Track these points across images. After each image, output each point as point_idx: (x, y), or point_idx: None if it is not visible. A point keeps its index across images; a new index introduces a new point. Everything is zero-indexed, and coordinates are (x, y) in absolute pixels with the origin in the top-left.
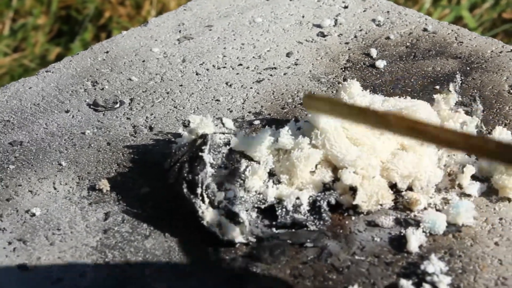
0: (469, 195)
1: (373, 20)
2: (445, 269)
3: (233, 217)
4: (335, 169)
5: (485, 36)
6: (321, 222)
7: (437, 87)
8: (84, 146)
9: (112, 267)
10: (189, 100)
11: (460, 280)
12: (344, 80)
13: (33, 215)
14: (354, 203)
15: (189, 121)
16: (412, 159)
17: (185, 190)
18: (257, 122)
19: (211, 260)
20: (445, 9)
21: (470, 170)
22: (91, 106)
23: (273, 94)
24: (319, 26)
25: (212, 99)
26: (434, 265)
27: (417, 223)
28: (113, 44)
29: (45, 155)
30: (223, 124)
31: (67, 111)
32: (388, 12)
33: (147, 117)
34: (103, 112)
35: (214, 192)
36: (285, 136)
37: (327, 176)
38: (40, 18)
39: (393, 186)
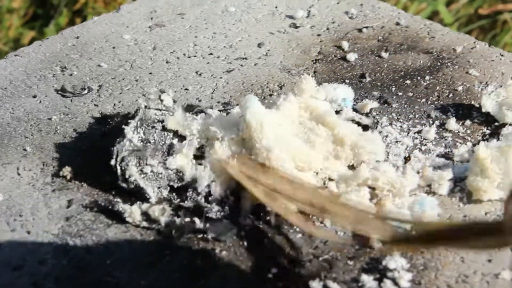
0: (433, 192)
1: (346, 13)
2: (406, 266)
3: (140, 192)
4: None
5: (459, 32)
6: (219, 212)
7: (408, 81)
8: (50, 132)
9: (73, 255)
10: (157, 89)
11: (421, 276)
12: (315, 72)
13: None
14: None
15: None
16: (391, 171)
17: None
18: (217, 108)
19: (173, 251)
20: (422, 3)
21: (448, 175)
22: (59, 92)
23: (242, 84)
24: (291, 17)
25: (181, 88)
26: (396, 261)
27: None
28: (84, 29)
29: (10, 140)
30: (161, 100)
31: (34, 96)
32: (361, 4)
33: (115, 105)
34: (71, 98)
35: (128, 165)
36: (215, 125)
37: None
38: (15, 1)
39: None
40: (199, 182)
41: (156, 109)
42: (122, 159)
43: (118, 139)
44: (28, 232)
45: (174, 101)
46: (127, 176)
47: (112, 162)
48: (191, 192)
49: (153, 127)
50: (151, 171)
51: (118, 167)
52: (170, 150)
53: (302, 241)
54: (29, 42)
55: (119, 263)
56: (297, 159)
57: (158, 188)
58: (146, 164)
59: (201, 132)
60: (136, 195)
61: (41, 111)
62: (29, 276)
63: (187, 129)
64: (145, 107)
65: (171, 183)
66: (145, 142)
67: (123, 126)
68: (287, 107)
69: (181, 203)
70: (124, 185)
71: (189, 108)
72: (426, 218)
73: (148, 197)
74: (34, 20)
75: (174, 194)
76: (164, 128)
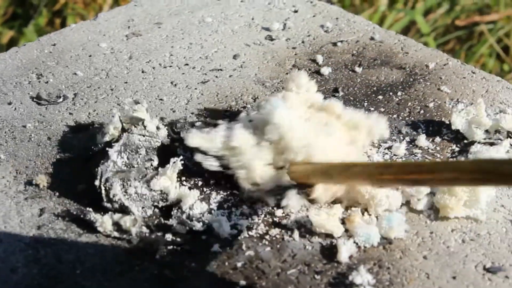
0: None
1: (322, 26)
2: (372, 281)
3: (125, 211)
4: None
5: (435, 42)
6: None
7: (380, 97)
8: (24, 140)
9: (44, 264)
10: (132, 98)
11: None
12: None
13: None
14: (312, 197)
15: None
16: None
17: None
18: (198, 123)
19: (142, 261)
20: (400, 12)
21: (425, 189)
22: (34, 99)
23: (217, 96)
24: (268, 29)
25: (156, 98)
26: (362, 277)
27: (349, 235)
28: (61, 37)
29: None
30: (144, 126)
31: (9, 103)
32: (337, 18)
33: (89, 113)
34: (46, 106)
35: (112, 185)
36: (239, 135)
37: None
38: None
39: None
40: (184, 201)
41: (140, 135)
42: (106, 180)
43: (102, 160)
44: (0, 240)
45: (158, 128)
46: (111, 196)
47: (96, 183)
48: (175, 211)
49: (136, 152)
50: (135, 192)
51: (103, 188)
52: (151, 172)
53: (271, 254)
54: (7, 41)
55: (89, 272)
56: (325, 151)
57: (143, 208)
58: (130, 186)
59: (224, 144)
60: (121, 213)
61: (16, 118)
62: (0, 284)
63: (212, 143)
64: (128, 131)
65: (155, 203)
66: (128, 166)
67: (107, 149)
68: (293, 104)
69: (166, 221)
70: (108, 205)
71: (173, 125)
72: (393, 234)
73: (132, 216)
74: (13, 19)
75: (158, 212)
76: (147, 153)
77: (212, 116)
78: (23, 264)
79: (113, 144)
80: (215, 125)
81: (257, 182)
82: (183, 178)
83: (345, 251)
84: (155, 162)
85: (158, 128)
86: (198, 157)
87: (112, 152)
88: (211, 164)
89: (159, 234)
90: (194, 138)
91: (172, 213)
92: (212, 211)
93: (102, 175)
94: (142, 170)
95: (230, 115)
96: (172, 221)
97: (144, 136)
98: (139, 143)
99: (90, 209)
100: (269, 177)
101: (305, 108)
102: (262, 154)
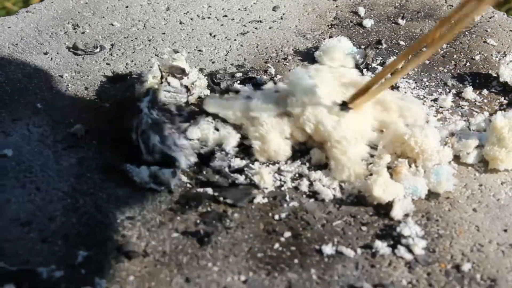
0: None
1: None
2: (421, 233)
3: (169, 161)
4: (310, 137)
5: None
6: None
7: (425, 49)
8: (61, 90)
9: (82, 212)
10: (171, 48)
11: (436, 244)
12: (330, 37)
13: (5, 156)
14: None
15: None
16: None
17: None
18: (239, 74)
19: (184, 211)
20: None
21: (473, 142)
22: (71, 50)
23: (257, 47)
24: None
25: (194, 49)
26: (410, 229)
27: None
28: None
29: (21, 96)
30: (168, 83)
31: (45, 53)
32: None
33: (127, 64)
34: (83, 56)
35: (149, 136)
36: (257, 106)
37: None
38: None
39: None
40: (225, 143)
41: (165, 91)
42: (143, 132)
43: (135, 115)
44: (38, 189)
45: (181, 84)
46: (150, 147)
47: (133, 136)
48: (218, 153)
49: (165, 109)
50: (174, 144)
51: (140, 140)
52: (185, 125)
53: (315, 205)
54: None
55: (129, 222)
56: (350, 130)
57: (185, 156)
58: (167, 137)
59: (243, 113)
60: (164, 164)
61: (52, 68)
62: (38, 233)
63: (231, 111)
64: (164, 78)
65: (196, 150)
66: (160, 122)
67: (137, 103)
68: (324, 78)
69: (208, 174)
70: (149, 158)
71: (212, 75)
72: (441, 189)
73: (177, 164)
74: None
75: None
76: (176, 109)
77: (253, 66)
78: (62, 213)
79: (142, 98)
80: (237, 92)
81: (271, 156)
82: (220, 125)
83: (399, 207)
84: (185, 117)
85: (181, 84)
86: (217, 124)
87: (143, 106)
88: (229, 133)
89: (200, 188)
90: (212, 105)
91: (216, 155)
92: (254, 163)
93: (138, 127)
94: (176, 124)
95: (255, 83)
96: (215, 164)
97: (169, 92)
98: (165, 99)
99: (128, 160)
100: (284, 152)
101: (338, 83)
102: (281, 127)
